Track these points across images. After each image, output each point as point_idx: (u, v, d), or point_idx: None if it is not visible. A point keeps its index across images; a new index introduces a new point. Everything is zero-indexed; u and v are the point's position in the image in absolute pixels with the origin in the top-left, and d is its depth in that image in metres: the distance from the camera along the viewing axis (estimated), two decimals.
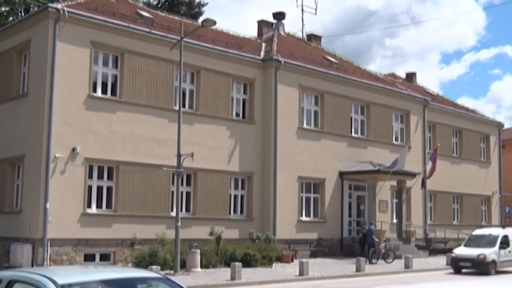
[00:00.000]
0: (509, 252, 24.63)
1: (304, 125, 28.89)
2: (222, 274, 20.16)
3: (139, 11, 25.85)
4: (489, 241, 24.45)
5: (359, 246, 28.42)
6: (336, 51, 35.43)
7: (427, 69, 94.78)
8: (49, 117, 20.88)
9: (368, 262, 25.04)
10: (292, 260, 24.74)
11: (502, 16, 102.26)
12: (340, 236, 29.65)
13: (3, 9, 34.35)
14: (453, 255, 24.48)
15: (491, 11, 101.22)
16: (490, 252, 23.73)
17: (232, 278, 18.90)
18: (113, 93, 23.01)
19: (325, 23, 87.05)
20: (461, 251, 24.61)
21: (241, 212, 26.90)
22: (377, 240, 27.39)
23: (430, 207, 36.02)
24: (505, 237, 24.73)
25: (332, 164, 29.54)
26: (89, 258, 21.55)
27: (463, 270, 23.97)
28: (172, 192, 23.02)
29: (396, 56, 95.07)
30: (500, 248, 24.13)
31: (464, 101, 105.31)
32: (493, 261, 23.66)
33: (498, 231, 25.37)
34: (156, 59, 23.79)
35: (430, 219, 35.55)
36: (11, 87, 23.26)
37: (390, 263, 26.38)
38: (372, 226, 28.47)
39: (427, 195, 34.76)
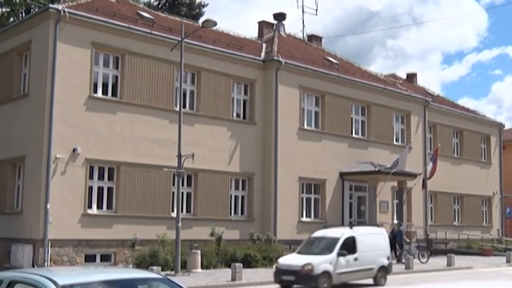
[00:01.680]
0: (355, 260, 18.36)
1: (305, 126, 28.89)
2: (223, 275, 20.16)
3: (139, 11, 25.86)
4: (327, 245, 18.35)
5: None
6: (337, 52, 35.53)
7: (428, 70, 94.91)
8: (50, 118, 20.88)
9: (397, 261, 25.54)
10: None
11: (504, 17, 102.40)
12: None
13: (4, 10, 34.40)
14: (276, 265, 18.78)
15: (493, 12, 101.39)
16: (322, 261, 17.56)
17: (233, 278, 18.90)
18: (114, 94, 23.01)
19: (327, 23, 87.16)
20: (286, 259, 18.63)
21: (242, 212, 26.90)
22: (408, 240, 28.27)
23: (431, 207, 36.00)
24: (350, 240, 18.55)
25: (333, 165, 29.55)
26: (89, 259, 21.55)
27: (294, 286, 18.07)
28: (173, 192, 23.00)
29: (398, 56, 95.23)
30: (340, 254, 17.88)
31: (465, 102, 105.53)
32: (326, 273, 17.41)
33: (341, 232, 18.97)
34: (157, 60, 23.80)
35: (431, 220, 35.53)
36: (12, 88, 23.28)
37: (425, 262, 27.11)
38: (402, 227, 28.88)
39: (427, 196, 34.75)
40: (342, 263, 17.95)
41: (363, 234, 19.34)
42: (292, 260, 18.31)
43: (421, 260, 27.39)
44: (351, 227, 20.04)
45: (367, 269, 18.85)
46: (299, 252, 18.93)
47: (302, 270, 17.31)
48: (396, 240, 27.80)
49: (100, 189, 22.44)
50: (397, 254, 27.30)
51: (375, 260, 19.10)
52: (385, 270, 19.54)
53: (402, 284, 20.31)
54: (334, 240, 18.36)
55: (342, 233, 18.92)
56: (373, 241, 19.38)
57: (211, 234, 23.10)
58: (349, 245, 18.36)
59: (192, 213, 24.84)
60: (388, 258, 19.75)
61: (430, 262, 27.93)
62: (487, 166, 40.31)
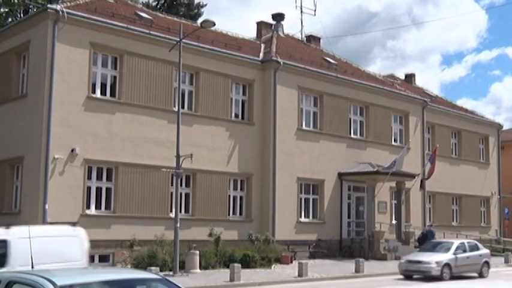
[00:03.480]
0: None
1: (303, 126, 28.90)
2: (221, 275, 20.16)
3: (138, 12, 25.87)
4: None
5: (418, 246, 28.83)
6: (336, 53, 35.54)
7: (428, 71, 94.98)
8: (48, 118, 20.87)
9: None
10: (291, 261, 24.76)
11: (503, 18, 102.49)
12: (339, 237, 29.66)
13: (2, 10, 34.34)
14: None
15: (493, 13, 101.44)
16: None
17: (231, 279, 18.91)
18: (112, 94, 23.00)
19: (326, 24, 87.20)
20: None
21: (241, 213, 26.89)
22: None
23: (429, 208, 36.03)
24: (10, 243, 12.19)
25: (331, 165, 29.55)
26: None
27: None
28: (172, 193, 23.01)
29: (397, 57, 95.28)
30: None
31: (464, 102, 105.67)
32: None
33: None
34: (155, 60, 23.79)
35: (429, 220, 35.55)
36: (10, 88, 23.26)
37: None
38: (432, 228, 29.45)
39: (426, 196, 34.78)
40: None
41: (28, 237, 11.70)
42: None
43: None
44: (6, 227, 12.91)
45: None
46: None
47: None
48: (427, 240, 28.09)
49: (98, 190, 22.42)
50: None
51: None
52: None
53: (401, 284, 20.31)
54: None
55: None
56: (53, 249, 12.38)
57: (210, 235, 23.10)
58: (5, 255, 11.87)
59: (191, 214, 24.83)
60: None
61: None
62: (486, 167, 40.34)
